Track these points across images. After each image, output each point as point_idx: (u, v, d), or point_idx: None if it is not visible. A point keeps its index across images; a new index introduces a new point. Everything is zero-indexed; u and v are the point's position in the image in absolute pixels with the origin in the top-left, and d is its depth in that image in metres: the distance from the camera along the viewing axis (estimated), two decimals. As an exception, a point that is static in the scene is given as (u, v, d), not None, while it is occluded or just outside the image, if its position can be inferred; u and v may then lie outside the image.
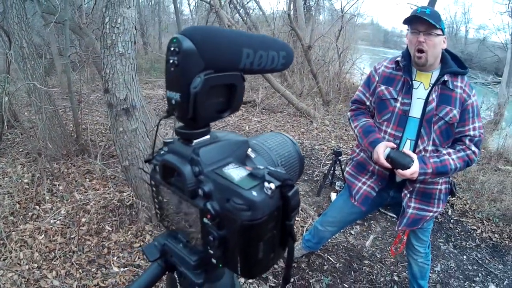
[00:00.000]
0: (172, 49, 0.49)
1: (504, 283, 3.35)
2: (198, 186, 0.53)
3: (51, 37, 7.57)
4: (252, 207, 0.49)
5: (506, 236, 4.08)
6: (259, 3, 12.24)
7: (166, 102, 0.55)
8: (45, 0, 5.46)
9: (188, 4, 22.49)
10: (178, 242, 0.64)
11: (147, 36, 15.95)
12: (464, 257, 3.63)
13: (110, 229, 3.21)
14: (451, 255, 3.63)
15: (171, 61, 0.49)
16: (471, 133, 2.01)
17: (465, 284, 3.23)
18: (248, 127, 6.32)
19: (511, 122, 8.11)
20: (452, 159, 1.98)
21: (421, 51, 1.97)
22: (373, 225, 3.89)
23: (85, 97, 6.15)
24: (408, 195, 2.17)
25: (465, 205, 4.61)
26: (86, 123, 5.22)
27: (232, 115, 6.95)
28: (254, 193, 0.50)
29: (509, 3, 11.52)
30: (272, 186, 0.50)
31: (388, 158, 2.01)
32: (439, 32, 1.95)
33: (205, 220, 0.53)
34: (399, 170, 1.97)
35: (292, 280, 2.91)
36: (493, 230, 4.18)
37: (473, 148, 2.00)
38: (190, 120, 0.53)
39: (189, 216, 0.57)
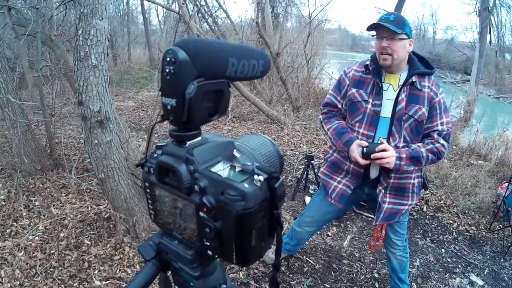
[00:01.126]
0: (168, 59, 0.53)
1: (485, 272, 3.46)
2: (194, 183, 0.58)
3: (22, 50, 7.41)
4: (245, 198, 0.54)
5: (482, 228, 4.22)
6: (227, 11, 12.28)
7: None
8: (16, 12, 5.34)
9: (157, 14, 22.45)
10: (173, 239, 0.67)
11: (116, 48, 15.78)
12: (443, 250, 3.73)
13: (89, 243, 3.17)
14: (429, 249, 3.72)
15: (167, 70, 0.54)
16: (439, 128, 2.12)
17: (446, 276, 3.32)
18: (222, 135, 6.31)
19: (481, 119, 8.33)
20: (422, 150, 2.09)
21: (386, 54, 2.08)
22: (349, 225, 3.96)
23: (56, 111, 6.06)
24: (383, 191, 2.25)
25: (440, 201, 4.74)
26: (59, 137, 5.13)
27: (204, 125, 7.00)
28: (246, 185, 0.55)
29: (476, 4, 11.91)
30: (261, 178, 0.56)
31: (363, 155, 2.08)
32: (403, 36, 2.05)
33: (201, 214, 0.58)
34: (377, 155, 2.05)
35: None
36: (469, 223, 4.30)
37: (442, 141, 2.10)
38: (184, 123, 0.58)
39: (185, 212, 0.62)
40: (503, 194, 4.26)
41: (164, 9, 18.69)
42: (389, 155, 2.03)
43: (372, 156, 2.06)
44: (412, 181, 2.25)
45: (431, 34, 39.06)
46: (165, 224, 0.68)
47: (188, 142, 0.61)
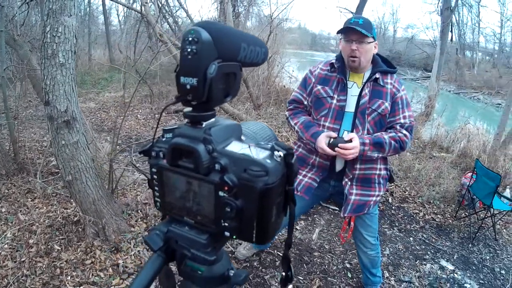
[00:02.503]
0: (190, 39, 0.55)
1: (454, 258, 3.60)
2: (214, 162, 0.58)
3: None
4: (268, 173, 0.56)
5: (448, 216, 4.38)
6: (187, 11, 12.19)
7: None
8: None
9: (117, 14, 22.04)
10: (183, 226, 0.67)
11: (77, 48, 15.34)
12: (411, 238, 3.84)
13: (59, 248, 3.07)
14: (397, 238, 3.83)
15: (189, 49, 0.55)
16: (401, 121, 2.21)
17: (416, 262, 3.43)
18: None
19: (443, 113, 8.62)
20: (385, 137, 2.16)
21: (354, 57, 2.17)
22: (317, 219, 4.02)
23: (20, 113, 5.86)
24: (349, 183, 2.30)
25: (404, 192, 4.89)
26: (23, 141, 4.96)
27: (166, 124, 7.00)
28: (268, 160, 0.58)
29: (438, 3, 12.31)
30: (281, 154, 0.59)
31: (330, 145, 2.13)
32: (370, 39, 2.15)
33: (220, 193, 0.58)
34: (340, 151, 2.10)
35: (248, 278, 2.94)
36: (435, 212, 4.46)
37: (404, 131, 2.19)
38: (203, 103, 0.59)
39: (200, 194, 0.61)
40: (467, 184, 4.43)
41: (125, 9, 18.36)
42: (353, 146, 2.08)
43: (336, 148, 2.11)
44: (377, 172, 2.32)
45: (392, 32, 40.23)
46: (174, 210, 0.67)
47: (205, 123, 0.61)
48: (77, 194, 2.94)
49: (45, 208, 3.64)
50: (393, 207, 4.49)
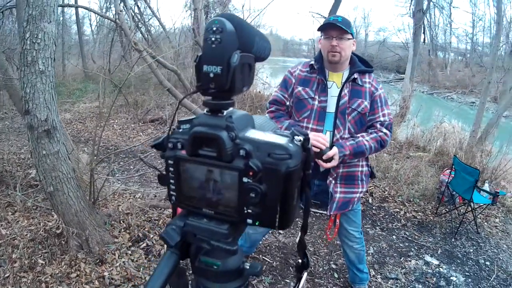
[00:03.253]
0: (214, 29, 0.57)
1: (438, 252, 3.67)
2: (238, 149, 0.59)
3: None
4: (292, 156, 0.58)
5: (429, 213, 4.47)
6: (160, 20, 12.17)
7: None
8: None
9: (90, 24, 21.81)
10: (201, 218, 0.66)
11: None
12: (394, 237, 3.90)
13: (43, 262, 2.99)
14: (380, 237, 3.88)
15: (213, 38, 0.58)
16: (381, 119, 2.29)
17: (401, 259, 3.48)
18: None
19: (418, 113, 8.80)
20: (366, 140, 2.22)
21: (335, 51, 2.22)
22: (299, 222, 3.99)
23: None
24: (333, 181, 2.36)
25: (384, 192, 4.96)
26: (1, 153, 4.83)
27: (142, 134, 7.04)
28: (290, 144, 0.60)
29: (410, 5, 12.59)
30: (301, 138, 0.61)
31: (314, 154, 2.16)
32: (350, 36, 2.22)
33: (245, 179, 0.59)
34: (320, 161, 2.15)
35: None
36: (416, 209, 4.54)
37: (384, 130, 2.27)
38: (225, 92, 0.60)
39: (222, 183, 0.62)
40: (446, 180, 4.54)
41: (98, 19, 18.19)
42: (332, 165, 2.16)
43: (317, 160, 2.16)
44: (360, 169, 2.39)
45: (363, 36, 40.89)
46: (192, 202, 0.67)
47: (225, 111, 0.62)
48: (59, 205, 2.87)
49: (26, 221, 3.54)
50: (374, 207, 4.55)
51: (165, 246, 0.67)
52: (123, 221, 3.58)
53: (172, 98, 7.72)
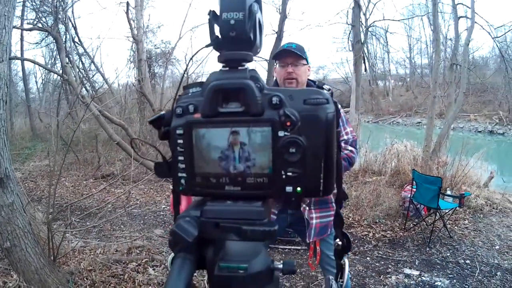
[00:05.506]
0: None
1: (416, 263, 3.70)
2: (269, 97, 0.52)
3: None
4: (329, 100, 0.53)
5: (398, 229, 4.52)
6: (104, 75, 12.16)
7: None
8: None
9: (36, 81, 21.43)
10: (223, 201, 0.56)
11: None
12: (368, 258, 3.88)
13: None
14: (354, 261, 3.84)
15: None
16: (345, 137, 2.27)
17: (381, 277, 3.45)
18: (113, 199, 6.04)
19: (368, 139, 9.04)
20: None
21: (291, 78, 2.21)
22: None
23: None
24: (307, 208, 2.28)
25: (348, 219, 4.95)
26: None
27: (95, 190, 6.83)
28: (324, 91, 0.54)
29: (348, 39, 13.24)
30: (329, 87, 0.58)
31: None
32: (304, 62, 2.23)
33: (280, 133, 0.52)
34: None
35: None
36: (384, 229, 4.57)
37: (350, 147, 2.25)
38: (247, 41, 0.54)
39: (252, 145, 0.53)
40: (409, 196, 4.63)
41: (43, 75, 17.91)
42: None
43: None
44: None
45: (303, 76, 42.23)
46: (210, 181, 0.56)
47: (246, 64, 0.56)
48: (18, 263, 2.66)
49: (-20, 286, 3.23)
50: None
51: (169, 256, 0.54)
52: (86, 278, 3.36)
53: (122, 153, 7.66)
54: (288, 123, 0.51)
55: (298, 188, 0.53)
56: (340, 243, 0.63)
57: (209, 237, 0.53)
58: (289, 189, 0.53)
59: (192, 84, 0.57)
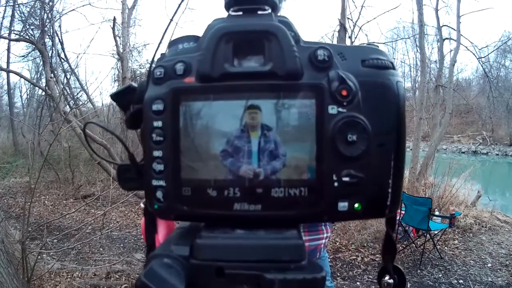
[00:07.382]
0: None
1: (408, 286, 3.59)
2: (312, 52, 0.32)
3: None
4: (394, 65, 0.33)
5: (387, 252, 4.41)
6: (88, 93, 12.08)
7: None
8: None
9: (21, 96, 21.30)
10: (231, 228, 0.34)
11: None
12: (358, 283, 3.77)
13: None
14: (344, 286, 3.72)
15: None
16: None
17: (372, 302, 3.32)
18: (94, 221, 5.85)
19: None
20: None
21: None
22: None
23: None
24: None
25: (335, 243, 4.86)
26: None
27: (74, 209, 6.60)
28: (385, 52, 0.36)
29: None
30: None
31: None
32: None
33: (330, 109, 0.31)
34: None
35: None
36: (372, 253, 4.47)
37: None
38: None
39: (282, 129, 0.32)
40: (397, 218, 4.55)
41: (28, 90, 17.84)
42: None
43: None
44: None
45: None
46: (208, 193, 0.33)
47: (269, 8, 0.35)
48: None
49: None
50: (329, 259, 4.43)
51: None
52: (64, 302, 3.20)
53: (103, 173, 7.52)
54: (344, 92, 0.31)
55: (356, 204, 0.32)
56: (391, 281, 0.39)
57: None
58: (343, 206, 0.32)
59: (181, 37, 0.36)
